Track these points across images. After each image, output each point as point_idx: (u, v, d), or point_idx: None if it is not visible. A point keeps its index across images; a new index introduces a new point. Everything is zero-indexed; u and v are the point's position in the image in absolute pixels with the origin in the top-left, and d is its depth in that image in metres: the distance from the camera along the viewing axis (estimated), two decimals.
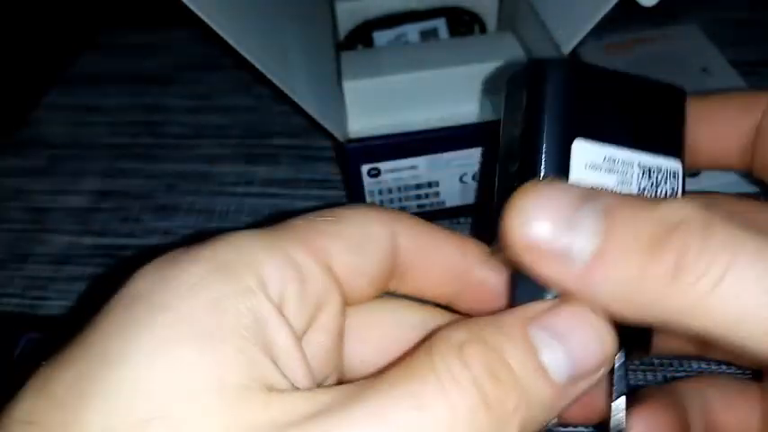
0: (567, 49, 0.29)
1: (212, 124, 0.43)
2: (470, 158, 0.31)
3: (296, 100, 0.27)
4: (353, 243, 0.14)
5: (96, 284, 0.33)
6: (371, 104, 0.30)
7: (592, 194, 0.12)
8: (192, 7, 0.23)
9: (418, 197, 0.32)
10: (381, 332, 0.16)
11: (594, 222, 0.12)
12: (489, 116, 0.31)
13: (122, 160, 0.41)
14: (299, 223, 0.14)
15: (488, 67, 0.31)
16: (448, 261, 0.15)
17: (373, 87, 0.30)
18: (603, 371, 0.12)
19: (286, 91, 0.27)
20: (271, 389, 0.11)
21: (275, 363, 0.12)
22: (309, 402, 0.11)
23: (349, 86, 0.30)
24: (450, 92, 0.31)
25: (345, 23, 0.37)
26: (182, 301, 0.11)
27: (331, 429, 0.10)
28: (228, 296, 0.12)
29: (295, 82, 0.28)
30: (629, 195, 0.13)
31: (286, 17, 0.31)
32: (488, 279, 0.15)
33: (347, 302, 0.15)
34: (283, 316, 0.12)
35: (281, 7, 0.31)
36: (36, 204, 0.38)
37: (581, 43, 0.31)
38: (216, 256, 0.12)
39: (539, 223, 0.12)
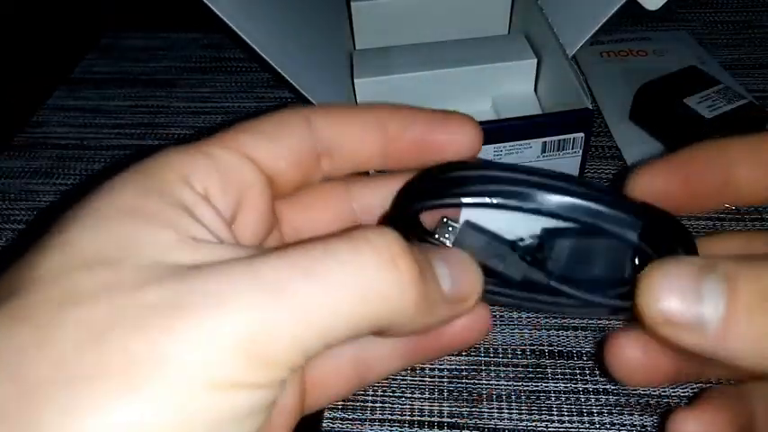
0: (571, 50, 0.30)
1: (216, 126, 0.43)
2: None
3: (309, 98, 0.28)
4: (268, 132, 0.16)
5: None
6: (382, 101, 0.31)
7: (711, 264, 0.14)
8: (214, 8, 0.24)
9: None
10: (315, 216, 0.18)
11: (718, 291, 0.13)
12: (496, 116, 0.32)
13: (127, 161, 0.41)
14: (221, 130, 0.16)
15: (498, 67, 0.32)
16: (365, 130, 0.17)
17: (384, 85, 0.31)
18: (472, 302, 0.15)
19: (299, 88, 0.28)
20: (194, 239, 0.13)
21: (200, 225, 0.14)
22: (233, 251, 0.13)
23: (360, 83, 0.31)
24: (460, 91, 0.31)
25: (361, 23, 0.38)
26: (111, 195, 0.13)
27: (246, 264, 0.12)
28: (153, 188, 0.13)
29: (308, 79, 0.28)
30: (747, 257, 0.14)
31: (301, 17, 0.32)
32: (404, 133, 0.17)
33: (282, 188, 0.17)
34: (209, 202, 0.14)
35: (296, 7, 0.32)
36: (41, 205, 0.38)
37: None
38: (147, 164, 0.14)
39: (668, 301, 0.14)
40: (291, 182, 0.16)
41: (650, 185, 0.17)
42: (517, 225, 0.17)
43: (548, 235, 0.17)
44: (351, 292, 0.12)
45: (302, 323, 0.12)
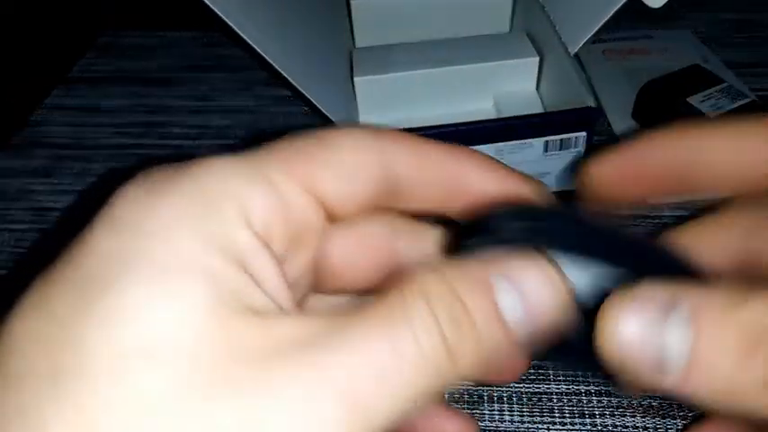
0: (573, 48, 0.30)
1: (214, 125, 0.43)
2: None
3: (309, 96, 0.28)
4: (343, 171, 0.14)
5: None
6: (382, 100, 0.31)
7: (677, 297, 0.12)
8: (214, 8, 0.24)
9: None
10: (355, 257, 0.17)
11: (683, 331, 0.12)
12: (498, 114, 0.32)
13: (125, 161, 0.41)
14: (284, 147, 0.14)
15: (500, 65, 0.31)
16: (439, 174, 0.16)
17: (384, 83, 0.31)
18: (556, 318, 0.13)
19: (300, 88, 0.28)
20: (257, 313, 0.12)
21: (260, 287, 0.12)
22: (296, 330, 0.12)
23: (360, 82, 0.31)
24: (461, 89, 0.31)
25: (361, 20, 0.38)
26: (168, 232, 0.12)
27: (314, 360, 0.11)
28: (213, 229, 0.12)
29: (308, 79, 0.28)
30: (714, 290, 0.13)
31: (301, 15, 0.32)
32: (476, 185, 0.16)
33: (334, 220, 0.15)
34: (266, 244, 0.13)
35: (296, 5, 0.32)
36: (39, 204, 0.38)
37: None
38: (199, 186, 0.13)
39: (629, 347, 0.12)
40: (348, 216, 0.15)
41: (601, 176, 0.16)
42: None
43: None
44: (414, 381, 0.12)
45: (371, 426, 0.11)
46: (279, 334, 0.12)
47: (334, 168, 0.14)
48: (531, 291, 0.13)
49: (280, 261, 0.13)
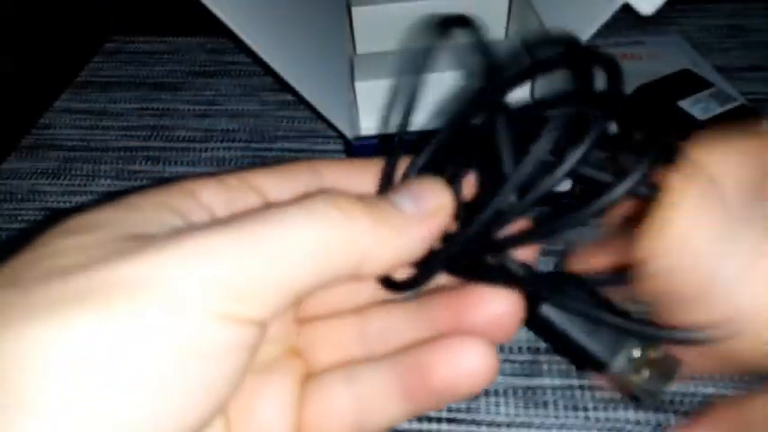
0: None
1: (220, 128, 0.44)
2: None
3: (311, 101, 0.29)
4: None
5: None
6: (382, 104, 0.32)
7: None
8: (221, 16, 0.24)
9: None
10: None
11: None
12: None
13: (133, 163, 0.42)
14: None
15: None
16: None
17: (384, 88, 0.32)
18: (442, 214, 0.16)
19: (303, 93, 0.28)
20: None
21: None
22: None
23: (361, 87, 0.32)
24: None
25: (361, 27, 0.39)
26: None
27: (222, 224, 0.13)
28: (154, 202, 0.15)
29: (310, 84, 0.29)
30: None
31: (303, 22, 0.33)
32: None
33: None
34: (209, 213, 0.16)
35: (298, 12, 0.32)
36: (49, 205, 0.39)
37: None
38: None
39: None
40: None
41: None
42: None
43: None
44: (311, 236, 0.14)
45: (274, 265, 0.13)
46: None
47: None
48: (421, 195, 0.16)
49: None
